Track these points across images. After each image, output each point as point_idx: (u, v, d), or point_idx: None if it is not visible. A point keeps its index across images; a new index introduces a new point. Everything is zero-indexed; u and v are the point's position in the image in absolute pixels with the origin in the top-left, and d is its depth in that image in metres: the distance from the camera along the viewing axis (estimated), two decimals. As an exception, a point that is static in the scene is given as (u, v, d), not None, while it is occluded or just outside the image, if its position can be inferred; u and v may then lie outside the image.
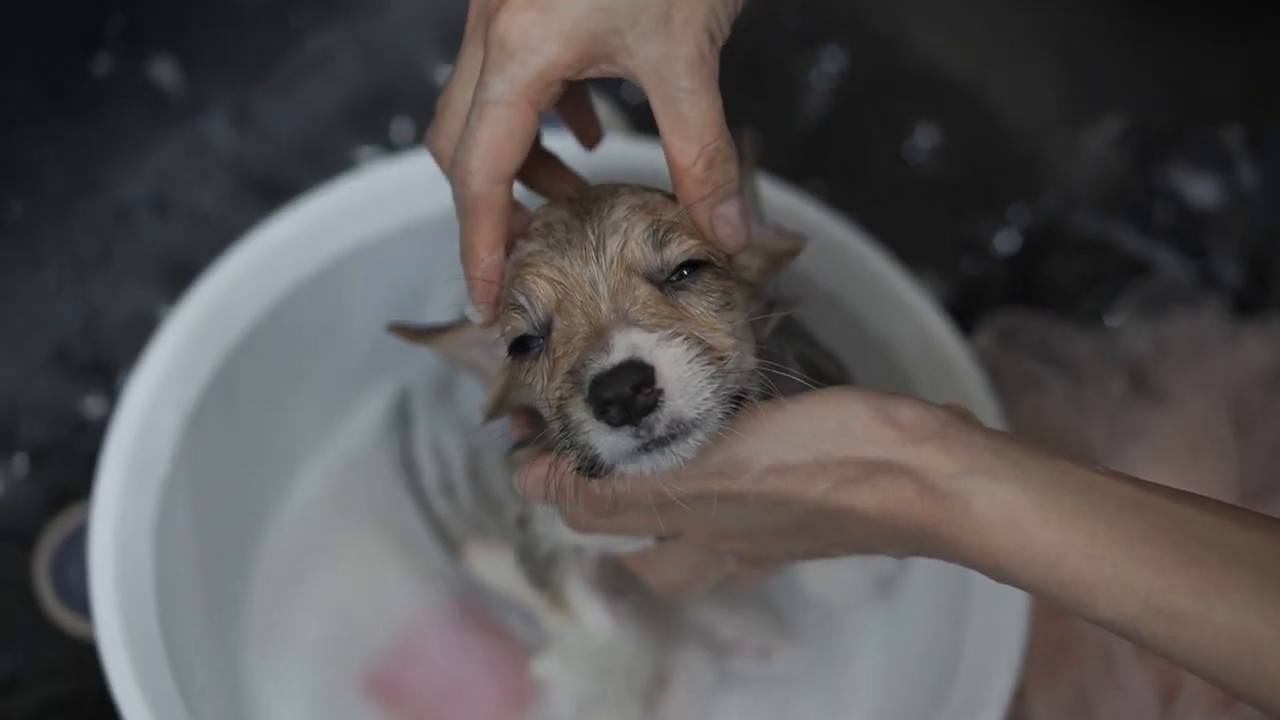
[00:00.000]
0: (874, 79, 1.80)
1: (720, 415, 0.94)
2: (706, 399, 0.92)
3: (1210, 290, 1.66)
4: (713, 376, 0.93)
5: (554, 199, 1.07)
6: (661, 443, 0.92)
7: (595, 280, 0.96)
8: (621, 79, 0.98)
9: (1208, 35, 1.79)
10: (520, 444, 1.12)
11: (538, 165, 1.09)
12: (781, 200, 1.42)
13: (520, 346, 1.00)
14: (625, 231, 0.97)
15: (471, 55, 1.00)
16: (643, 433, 0.91)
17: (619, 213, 0.99)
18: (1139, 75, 1.79)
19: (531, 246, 0.99)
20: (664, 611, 1.36)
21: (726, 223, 0.99)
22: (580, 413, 0.92)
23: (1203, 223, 1.72)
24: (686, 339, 0.93)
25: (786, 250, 1.10)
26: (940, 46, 1.82)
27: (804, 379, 1.00)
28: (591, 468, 0.95)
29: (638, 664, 1.29)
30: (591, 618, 1.25)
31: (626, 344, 0.92)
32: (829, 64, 1.80)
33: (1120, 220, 1.72)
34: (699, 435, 0.93)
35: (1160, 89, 1.78)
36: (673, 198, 1.01)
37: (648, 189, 1.03)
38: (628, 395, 0.90)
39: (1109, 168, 1.76)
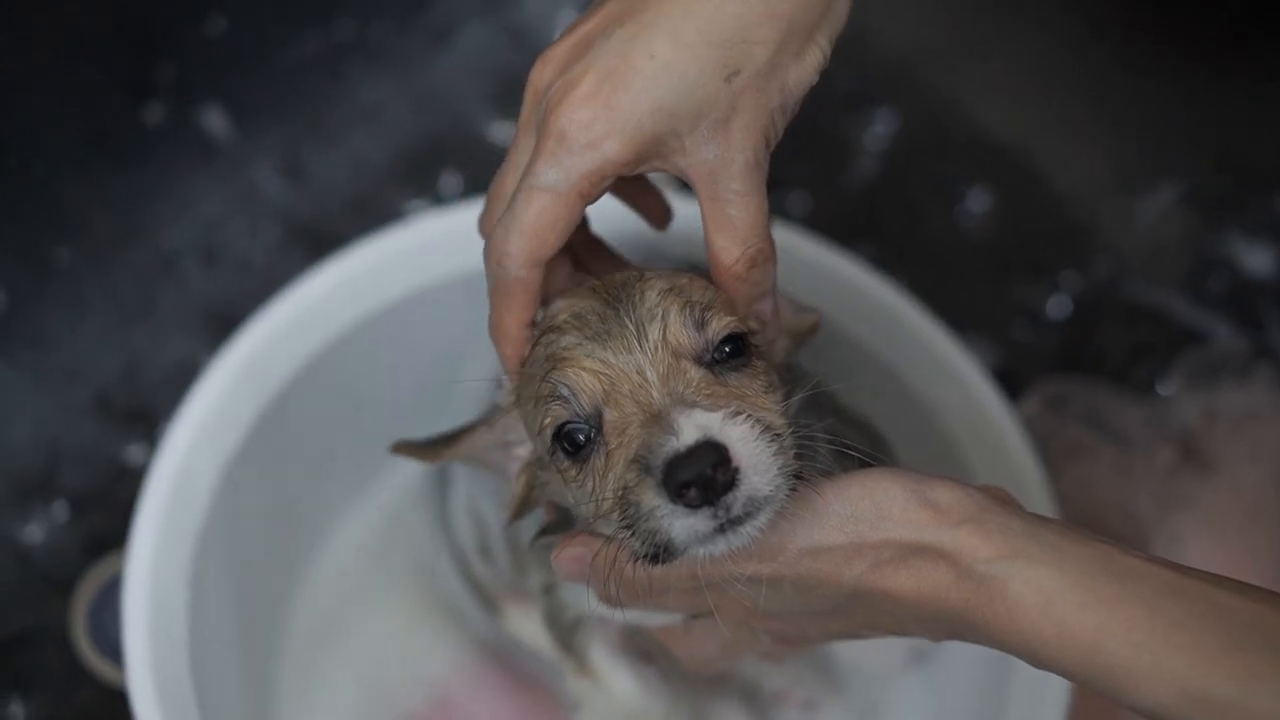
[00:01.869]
0: (926, 142, 1.80)
1: (787, 491, 0.93)
2: (775, 475, 0.92)
3: (1263, 361, 1.64)
4: (776, 454, 0.92)
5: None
6: (736, 522, 0.91)
7: (642, 368, 0.95)
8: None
9: (1263, 102, 1.77)
10: (545, 530, 1.11)
11: (588, 249, 1.10)
12: (827, 261, 1.41)
13: (569, 443, 0.98)
14: (663, 316, 0.97)
15: (525, 144, 1.01)
16: (720, 513, 0.90)
17: (651, 298, 0.98)
18: (1194, 142, 1.78)
19: (567, 340, 0.98)
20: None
21: (760, 320, 1.02)
22: (653, 498, 0.91)
23: (1257, 292, 1.70)
24: (748, 416, 0.92)
25: (807, 328, 1.10)
26: (993, 110, 1.81)
27: (835, 456, 1.00)
28: (659, 554, 0.93)
29: None
30: (617, 683, 1.24)
31: (695, 424, 0.91)
32: (881, 126, 1.79)
33: (1173, 288, 1.71)
34: (769, 512, 0.92)
35: (1215, 156, 1.77)
36: (698, 275, 1.02)
37: (672, 271, 1.03)
38: (708, 476, 0.89)
39: (1162, 235, 1.74)
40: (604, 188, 0.98)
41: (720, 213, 0.98)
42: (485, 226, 1.05)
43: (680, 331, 0.96)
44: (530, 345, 1.02)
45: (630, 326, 0.96)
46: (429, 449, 1.09)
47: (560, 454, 0.99)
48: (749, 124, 0.96)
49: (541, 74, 0.99)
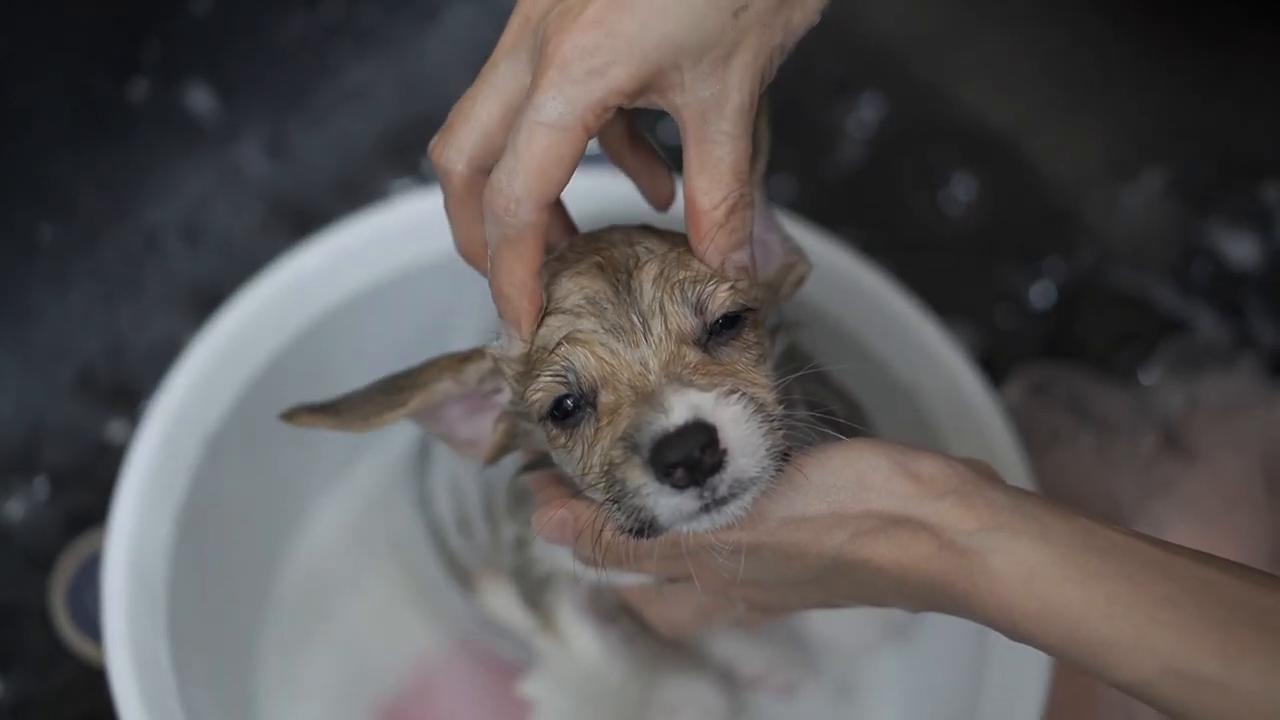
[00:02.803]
0: (912, 128, 1.80)
1: (774, 471, 0.93)
2: (763, 456, 0.92)
3: (1246, 350, 1.64)
4: (766, 434, 0.92)
5: (651, 197, 1.07)
6: (721, 502, 0.91)
7: (645, 359, 0.95)
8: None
9: (1250, 93, 1.77)
10: (528, 466, 1.10)
11: (636, 156, 1.07)
12: (813, 245, 1.40)
13: (560, 414, 0.97)
14: (662, 309, 0.96)
15: (508, 70, 0.97)
16: (706, 494, 0.90)
17: (649, 291, 0.96)
18: (1181, 131, 1.78)
19: (585, 325, 0.97)
20: (679, 642, 1.34)
21: (737, 268, 0.98)
22: (639, 477, 0.91)
23: (1240, 281, 1.70)
24: (740, 396, 0.92)
25: (791, 279, 1.08)
26: (981, 97, 1.81)
27: (817, 424, 0.98)
28: (644, 529, 0.93)
29: (626, 692, 1.28)
30: (579, 643, 1.24)
31: (687, 404, 0.90)
32: (867, 111, 1.79)
33: (1157, 276, 1.71)
34: (755, 492, 0.92)
35: (1201, 146, 1.77)
36: (676, 242, 1.00)
37: (656, 234, 1.02)
38: (696, 457, 0.89)
39: (1147, 223, 1.74)
40: (606, 120, 0.93)
41: (706, 154, 0.94)
42: (440, 151, 0.99)
43: (680, 321, 0.96)
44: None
45: (636, 322, 0.96)
46: (344, 412, 1.06)
47: (550, 422, 0.98)
48: (748, 63, 0.93)
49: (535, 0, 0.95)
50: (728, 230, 0.96)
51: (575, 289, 0.98)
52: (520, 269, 0.96)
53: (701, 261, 0.98)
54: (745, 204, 0.96)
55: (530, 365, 0.99)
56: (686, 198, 0.96)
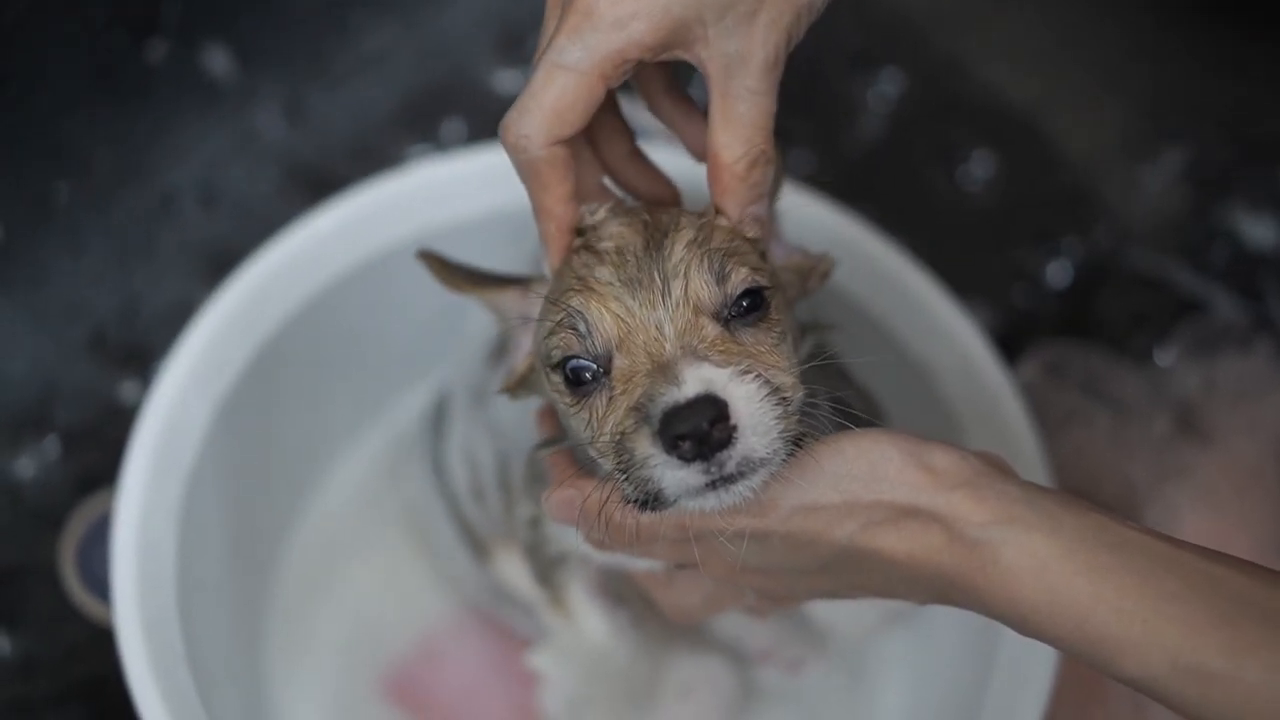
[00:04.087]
0: (932, 103, 1.79)
1: (784, 455, 0.93)
2: (775, 438, 0.91)
3: (1263, 333, 1.63)
4: (779, 417, 0.92)
5: (689, 145, 1.07)
6: (729, 480, 0.91)
7: (661, 323, 0.95)
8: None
9: (1272, 74, 1.76)
10: (546, 443, 1.10)
11: (628, 162, 1.08)
12: (829, 220, 1.40)
13: (574, 377, 0.98)
14: (685, 272, 0.96)
15: (553, 24, 0.98)
16: (713, 469, 0.90)
17: (678, 252, 0.97)
18: (1201, 112, 1.77)
19: (602, 272, 0.97)
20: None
21: (755, 221, 1.00)
22: (647, 447, 0.91)
23: (1259, 264, 1.69)
24: (757, 376, 0.92)
25: (817, 271, 1.09)
26: (1001, 74, 1.80)
27: (835, 417, 0.98)
28: (649, 502, 0.93)
29: (633, 673, 1.28)
30: (589, 623, 1.25)
31: (700, 378, 0.91)
32: (887, 86, 1.78)
33: (1175, 258, 1.70)
34: (764, 474, 0.92)
35: (1223, 127, 1.76)
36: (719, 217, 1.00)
37: (701, 213, 1.02)
38: (704, 431, 0.89)
39: (1166, 204, 1.73)
40: (625, 71, 0.96)
41: (730, 109, 0.96)
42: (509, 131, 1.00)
43: (701, 287, 0.96)
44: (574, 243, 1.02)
45: (658, 281, 0.96)
46: (454, 273, 1.10)
47: (562, 381, 0.98)
48: (774, 19, 0.94)
49: None
50: (748, 185, 0.98)
51: (612, 235, 1.00)
52: (547, 198, 0.99)
53: (721, 213, 0.99)
54: (766, 160, 0.98)
55: (553, 302, 1.00)
56: (709, 152, 0.98)
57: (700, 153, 1.08)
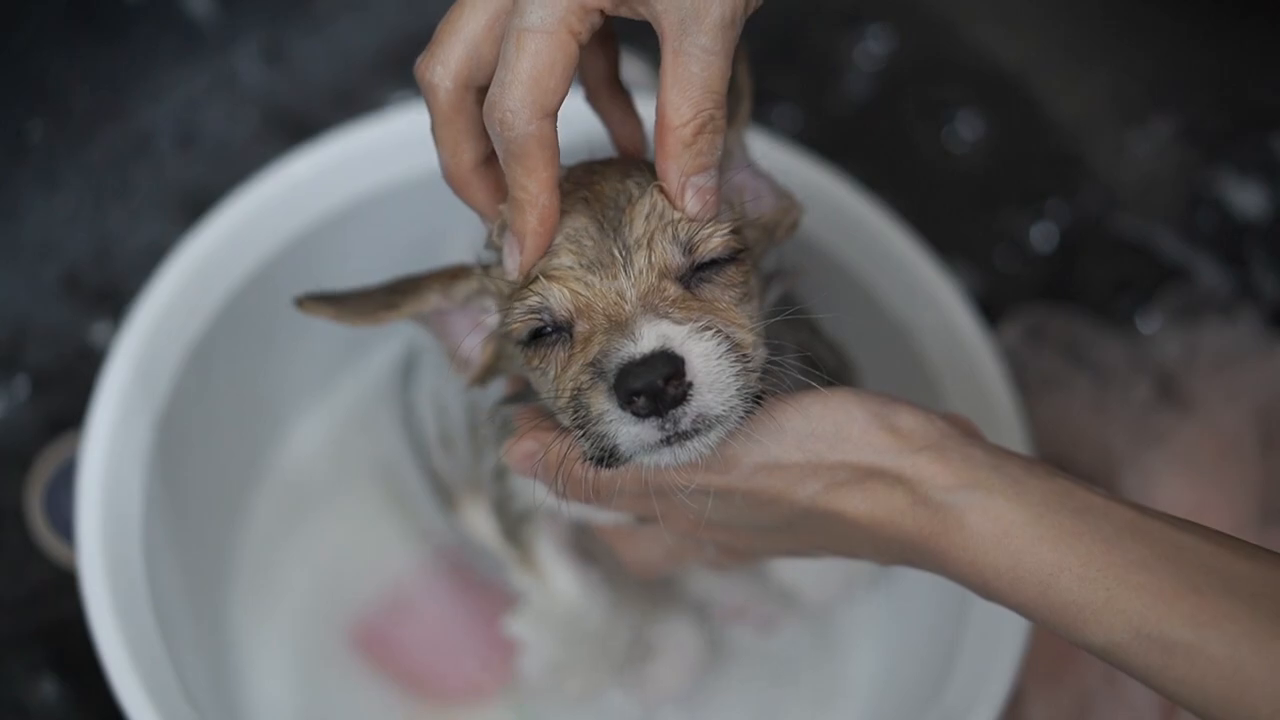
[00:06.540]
0: (920, 62, 1.78)
1: (742, 413, 0.92)
2: (732, 396, 0.91)
3: (1247, 301, 1.62)
4: (738, 374, 0.91)
5: (619, 143, 1.05)
6: (684, 436, 0.90)
7: (623, 290, 0.94)
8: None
9: (1265, 43, 1.75)
10: (510, 399, 1.09)
11: (613, 101, 1.05)
12: (813, 177, 1.39)
13: (535, 334, 0.97)
14: (649, 244, 0.94)
15: None
16: (668, 425, 0.90)
17: (639, 226, 0.95)
18: (1191, 78, 1.76)
19: (561, 261, 0.95)
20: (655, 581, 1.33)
21: (700, 195, 0.95)
22: (603, 403, 0.90)
23: (1245, 231, 1.69)
24: (716, 333, 0.91)
25: (784, 224, 1.07)
26: (991, 34, 1.79)
27: (802, 374, 0.97)
28: (605, 458, 0.93)
29: (611, 633, 1.27)
30: (558, 581, 1.23)
31: (657, 333, 0.90)
32: (874, 44, 1.76)
33: (1161, 224, 1.69)
34: (720, 431, 0.92)
35: (1212, 93, 1.76)
36: None
37: (651, 168, 0.99)
38: (658, 387, 0.88)
39: (1153, 169, 1.73)
40: (592, 24, 0.91)
41: (681, 68, 0.90)
42: (426, 70, 0.96)
43: (666, 258, 0.94)
44: None
45: (618, 256, 0.94)
46: (356, 306, 1.06)
47: (524, 345, 0.97)
48: None
49: None
50: (694, 151, 0.93)
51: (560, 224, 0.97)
52: (532, 183, 0.93)
53: (660, 181, 0.95)
54: (716, 127, 0.93)
55: (514, 291, 0.98)
56: (657, 112, 0.93)
57: (630, 150, 1.06)
